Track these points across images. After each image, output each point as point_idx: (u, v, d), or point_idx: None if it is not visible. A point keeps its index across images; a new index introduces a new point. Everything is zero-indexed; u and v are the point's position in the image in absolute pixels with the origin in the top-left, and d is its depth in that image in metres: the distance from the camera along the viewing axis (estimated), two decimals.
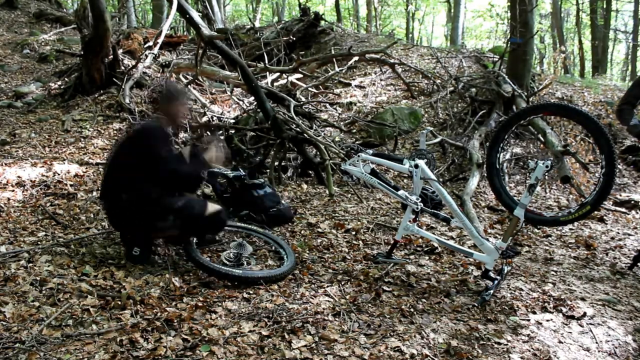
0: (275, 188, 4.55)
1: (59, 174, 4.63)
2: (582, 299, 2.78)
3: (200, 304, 2.52)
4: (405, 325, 2.40)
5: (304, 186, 5.12)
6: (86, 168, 4.90)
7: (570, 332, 2.42)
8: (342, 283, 2.89)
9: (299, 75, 7.95)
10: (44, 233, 3.53)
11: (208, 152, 3.07)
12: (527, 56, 6.90)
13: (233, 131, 6.01)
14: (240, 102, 7.17)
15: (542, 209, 4.75)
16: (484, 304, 2.63)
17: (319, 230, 3.86)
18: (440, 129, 6.79)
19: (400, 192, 3.05)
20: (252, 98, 6.52)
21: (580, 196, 4.80)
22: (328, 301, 2.64)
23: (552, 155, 4.76)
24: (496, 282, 2.75)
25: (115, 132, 5.99)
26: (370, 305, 2.62)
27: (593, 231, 4.24)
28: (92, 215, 3.92)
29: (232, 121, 6.42)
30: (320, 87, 8.12)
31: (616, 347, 2.31)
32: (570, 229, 4.21)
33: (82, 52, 7.10)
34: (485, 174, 3.77)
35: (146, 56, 7.29)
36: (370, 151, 3.32)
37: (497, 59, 7.61)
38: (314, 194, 4.87)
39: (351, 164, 3.28)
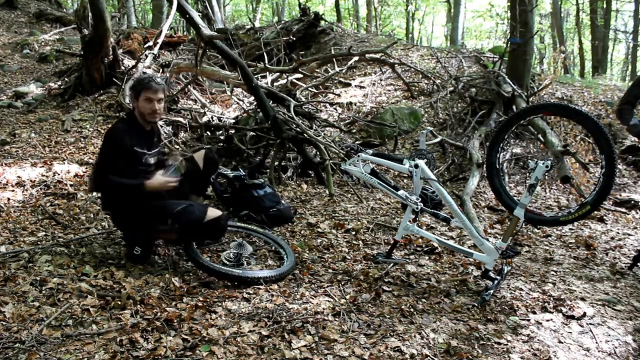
0: (275, 188, 4.55)
1: (59, 174, 4.63)
2: (582, 299, 2.78)
3: (200, 304, 2.52)
4: (405, 325, 2.40)
5: (304, 186, 5.12)
6: (86, 168, 4.90)
7: (570, 332, 2.42)
8: (342, 283, 2.89)
9: (299, 75, 7.95)
10: (44, 233, 3.53)
11: (155, 178, 2.97)
12: (527, 56, 6.90)
13: (233, 131, 6.01)
14: (240, 102, 7.17)
15: (542, 209, 4.75)
16: (484, 304, 2.63)
17: (319, 230, 3.86)
18: (440, 129, 6.79)
19: (400, 192, 3.05)
20: (252, 98, 6.51)
21: (580, 196, 4.80)
22: (328, 301, 2.64)
23: (552, 155, 4.76)
24: (496, 282, 2.75)
25: None
26: (370, 305, 2.62)
27: (593, 231, 4.24)
28: (92, 215, 3.92)
29: (232, 121, 6.42)
30: (320, 87, 8.11)
31: (616, 347, 2.31)
32: (570, 229, 4.21)
33: (82, 52, 7.10)
34: (485, 174, 3.77)
35: (146, 56, 7.28)
36: (370, 151, 3.32)
37: (497, 59, 7.62)
38: (314, 194, 4.87)
39: (351, 164, 3.28)
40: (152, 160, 3.09)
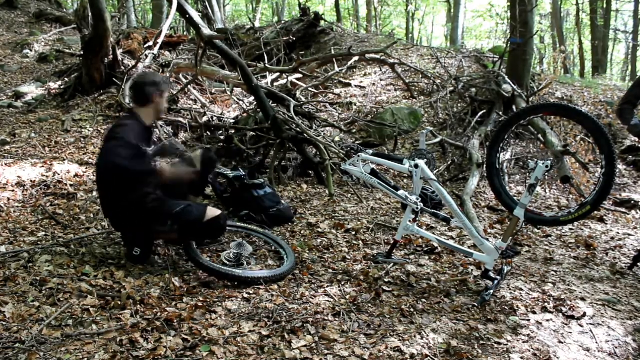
0: (275, 188, 4.55)
1: (59, 174, 4.63)
2: (582, 299, 2.78)
3: (200, 304, 2.52)
4: (405, 325, 2.40)
5: (304, 186, 5.12)
6: (86, 168, 4.90)
7: (570, 332, 2.42)
8: (342, 283, 2.89)
9: (299, 75, 7.95)
10: (44, 233, 3.53)
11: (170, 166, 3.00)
12: (527, 56, 6.90)
13: (233, 131, 6.01)
14: (240, 102, 7.17)
15: (542, 209, 4.75)
16: (484, 304, 2.63)
17: (319, 230, 3.86)
18: (440, 129, 6.79)
19: (400, 192, 3.05)
20: (252, 98, 6.51)
21: (580, 196, 4.80)
22: (328, 301, 2.64)
23: (552, 155, 4.76)
24: (496, 282, 2.75)
25: None
26: (370, 305, 2.62)
27: (593, 231, 4.24)
28: (92, 215, 3.92)
29: (232, 121, 6.42)
30: (320, 87, 8.11)
31: (616, 347, 2.31)
32: (570, 229, 4.21)
33: (82, 52, 7.10)
34: (485, 174, 3.77)
35: (146, 56, 7.29)
36: (370, 151, 3.32)
37: (497, 59, 7.62)
38: (314, 194, 4.87)
39: (351, 164, 3.28)
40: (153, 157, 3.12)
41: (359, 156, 3.24)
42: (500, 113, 6.31)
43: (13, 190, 4.25)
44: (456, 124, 6.71)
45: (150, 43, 7.56)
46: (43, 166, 4.80)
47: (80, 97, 6.79)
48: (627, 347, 2.32)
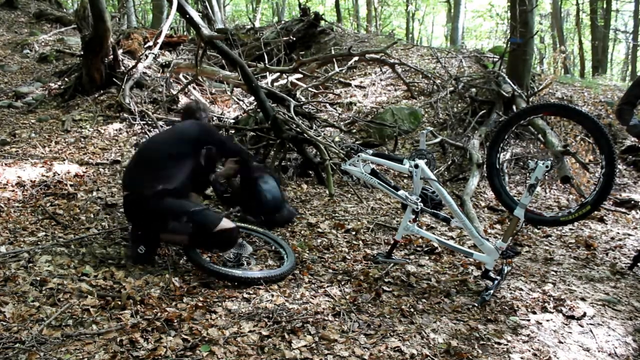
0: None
1: (59, 174, 4.63)
2: (582, 299, 2.78)
3: (200, 304, 2.52)
4: (405, 325, 2.40)
5: (304, 186, 5.12)
6: (86, 168, 4.90)
7: (570, 332, 2.42)
8: (342, 283, 2.89)
9: (299, 76, 7.95)
10: (44, 233, 3.53)
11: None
12: (527, 56, 6.90)
13: (233, 131, 6.01)
14: (240, 102, 7.17)
15: (542, 209, 4.75)
16: (484, 304, 2.63)
17: (319, 230, 3.86)
18: (440, 129, 6.78)
19: (400, 192, 3.05)
20: (252, 98, 6.51)
21: (580, 196, 4.79)
22: (328, 301, 2.64)
23: (552, 155, 4.76)
24: (496, 282, 2.75)
25: (115, 132, 5.99)
26: (370, 305, 2.62)
27: (593, 231, 4.24)
28: (92, 215, 3.92)
29: (232, 121, 6.42)
30: (320, 87, 8.11)
31: (616, 347, 2.31)
32: (570, 229, 4.21)
33: (82, 52, 7.10)
34: (485, 174, 3.77)
35: (146, 56, 7.29)
36: (370, 151, 3.32)
37: (497, 59, 7.61)
38: (314, 194, 4.86)
39: (351, 164, 3.28)
40: None
41: (359, 156, 3.24)
42: (500, 113, 6.31)
43: (13, 190, 4.25)
44: (456, 124, 6.71)
45: (150, 43, 7.56)
46: (43, 166, 4.80)
47: (80, 97, 6.79)
48: (627, 347, 2.32)
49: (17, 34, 11.47)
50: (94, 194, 4.29)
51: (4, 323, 2.28)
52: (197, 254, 2.89)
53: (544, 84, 7.08)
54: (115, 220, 3.84)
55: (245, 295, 2.67)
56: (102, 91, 6.79)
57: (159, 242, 3.16)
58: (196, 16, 5.98)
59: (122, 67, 6.92)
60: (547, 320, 2.51)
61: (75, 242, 3.34)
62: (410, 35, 23.43)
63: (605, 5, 15.52)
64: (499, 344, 2.27)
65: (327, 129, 6.54)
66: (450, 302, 2.69)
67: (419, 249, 3.54)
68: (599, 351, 2.27)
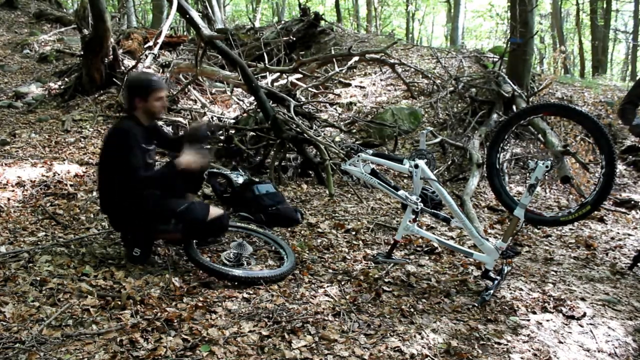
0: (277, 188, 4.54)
1: (59, 174, 4.63)
2: (582, 299, 2.78)
3: (200, 304, 2.52)
4: (405, 325, 2.40)
5: (304, 186, 5.12)
6: (86, 168, 4.90)
7: (570, 332, 2.42)
8: (342, 283, 2.89)
9: (299, 75, 7.95)
10: (44, 233, 3.53)
11: (184, 156, 2.92)
12: (527, 56, 6.91)
13: (233, 131, 6.01)
14: (240, 102, 7.17)
15: (542, 209, 4.75)
16: (484, 304, 2.63)
17: (319, 230, 3.86)
18: (440, 129, 6.79)
19: (400, 192, 3.05)
20: (252, 98, 6.51)
21: (580, 196, 4.80)
22: (328, 301, 2.64)
23: (552, 155, 4.76)
24: (496, 282, 2.75)
25: None
26: (370, 305, 2.62)
27: (593, 231, 4.24)
28: (92, 215, 3.92)
29: (232, 121, 6.42)
30: (320, 87, 8.11)
31: (616, 348, 2.31)
32: (570, 229, 4.21)
33: (82, 52, 7.10)
34: (485, 174, 3.77)
35: (146, 56, 7.29)
36: (370, 151, 3.32)
37: (497, 59, 7.62)
38: (314, 194, 4.87)
39: (351, 164, 3.28)
40: (153, 156, 3.15)
41: (359, 156, 3.24)
42: (500, 113, 6.31)
43: (13, 190, 4.25)
44: (456, 124, 6.71)
45: (150, 43, 7.56)
46: (43, 166, 4.80)
47: (80, 97, 6.79)
48: (627, 347, 2.32)
49: (17, 34, 11.48)
50: (94, 194, 4.29)
51: (4, 323, 2.28)
52: (198, 254, 2.89)
53: (544, 84, 7.08)
54: None
55: (245, 295, 2.67)
56: (102, 91, 6.80)
57: (152, 242, 3.17)
58: (196, 16, 5.99)
59: (122, 67, 6.92)
60: (547, 320, 2.51)
61: (75, 242, 3.34)
62: (410, 35, 23.44)
63: (605, 5, 15.53)
64: (499, 344, 2.27)
65: (327, 129, 6.54)
66: (450, 302, 2.69)
67: (419, 249, 3.54)
68: (599, 351, 2.27)
